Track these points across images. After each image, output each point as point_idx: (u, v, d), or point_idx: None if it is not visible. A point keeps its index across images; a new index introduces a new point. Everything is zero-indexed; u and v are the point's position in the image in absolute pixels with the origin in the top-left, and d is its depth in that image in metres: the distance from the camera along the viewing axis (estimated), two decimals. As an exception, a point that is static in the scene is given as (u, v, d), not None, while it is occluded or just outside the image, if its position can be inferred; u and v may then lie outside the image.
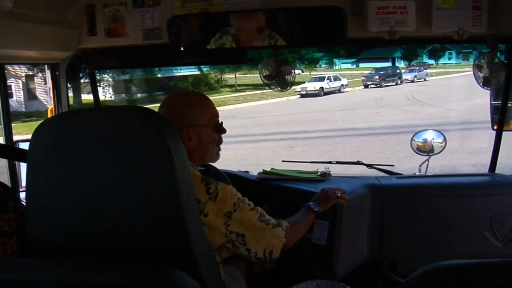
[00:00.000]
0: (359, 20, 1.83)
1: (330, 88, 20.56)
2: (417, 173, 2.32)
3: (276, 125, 13.05)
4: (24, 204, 1.10)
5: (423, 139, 2.31)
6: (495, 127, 2.14)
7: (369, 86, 21.95)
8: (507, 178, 2.09)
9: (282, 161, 2.82)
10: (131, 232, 0.96)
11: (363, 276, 2.03)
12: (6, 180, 1.90)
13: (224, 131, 1.46)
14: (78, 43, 2.05)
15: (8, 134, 1.95)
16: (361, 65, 30.43)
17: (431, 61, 30.77)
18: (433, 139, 2.30)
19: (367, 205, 1.97)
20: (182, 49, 1.94)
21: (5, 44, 1.64)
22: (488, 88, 1.97)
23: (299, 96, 19.61)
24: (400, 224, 1.99)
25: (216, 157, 1.48)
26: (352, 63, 31.71)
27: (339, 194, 1.77)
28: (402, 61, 29.33)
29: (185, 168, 0.97)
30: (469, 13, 1.77)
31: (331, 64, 29.97)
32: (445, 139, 2.29)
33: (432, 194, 2.01)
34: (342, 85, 21.26)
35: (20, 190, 1.92)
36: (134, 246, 0.97)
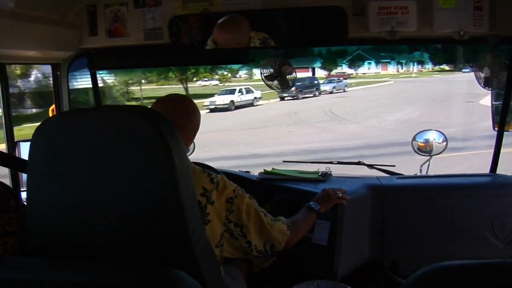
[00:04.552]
0: (360, 20, 1.83)
1: (241, 101, 18.62)
2: (418, 174, 2.32)
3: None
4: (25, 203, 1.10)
5: (425, 139, 2.31)
6: (496, 128, 2.14)
7: (285, 99, 19.90)
8: (508, 178, 2.09)
9: (283, 161, 2.82)
10: (132, 232, 0.96)
11: (364, 277, 2.03)
12: (7, 180, 1.90)
13: None
14: (79, 43, 2.05)
15: (10, 134, 1.95)
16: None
17: (351, 71, 29.59)
18: (434, 139, 2.31)
19: (368, 206, 1.97)
20: (183, 49, 1.94)
21: (7, 44, 1.65)
22: (489, 89, 1.97)
23: (208, 110, 17.31)
24: (401, 225, 1.99)
25: None
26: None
27: (340, 195, 1.77)
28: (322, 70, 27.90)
29: (185, 168, 0.97)
30: (470, 13, 1.77)
31: (250, 75, 27.45)
32: (446, 140, 2.30)
33: (433, 195, 2.01)
34: (255, 97, 19.31)
35: (21, 189, 1.92)
36: (134, 245, 0.97)
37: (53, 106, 2.22)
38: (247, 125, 14.09)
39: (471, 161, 7.11)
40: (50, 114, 2.27)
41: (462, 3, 1.76)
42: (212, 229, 1.36)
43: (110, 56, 2.17)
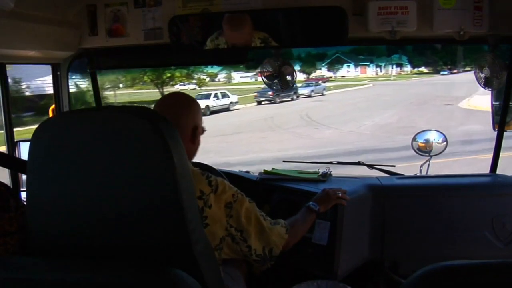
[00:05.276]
0: (360, 20, 1.83)
1: (217, 106, 18.30)
2: (418, 174, 2.32)
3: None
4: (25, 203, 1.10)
5: (425, 140, 2.31)
6: (496, 128, 2.14)
7: (262, 103, 19.66)
8: (508, 178, 2.09)
9: (283, 161, 2.83)
10: (132, 232, 0.96)
11: (364, 277, 2.03)
12: (7, 180, 1.90)
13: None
14: (79, 43, 2.05)
15: (10, 134, 1.95)
16: (260, 79, 27.40)
17: (330, 74, 29.38)
18: (434, 139, 2.31)
19: (368, 206, 1.97)
20: (183, 49, 1.94)
21: (7, 44, 1.64)
22: (489, 89, 1.97)
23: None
24: (401, 225, 1.99)
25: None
26: (251, 77, 28.02)
27: (340, 195, 1.77)
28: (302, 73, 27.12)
29: (185, 168, 0.97)
30: (470, 13, 1.77)
31: (229, 78, 27.81)
32: (445, 140, 2.30)
33: (433, 195, 2.01)
34: (231, 102, 19.12)
35: (21, 189, 1.92)
36: (134, 245, 0.97)
37: (53, 106, 2.22)
38: (220, 131, 13.22)
39: (452, 168, 6.92)
40: (50, 114, 2.27)
41: (462, 3, 1.77)
42: (211, 232, 1.35)
43: (110, 56, 2.17)
